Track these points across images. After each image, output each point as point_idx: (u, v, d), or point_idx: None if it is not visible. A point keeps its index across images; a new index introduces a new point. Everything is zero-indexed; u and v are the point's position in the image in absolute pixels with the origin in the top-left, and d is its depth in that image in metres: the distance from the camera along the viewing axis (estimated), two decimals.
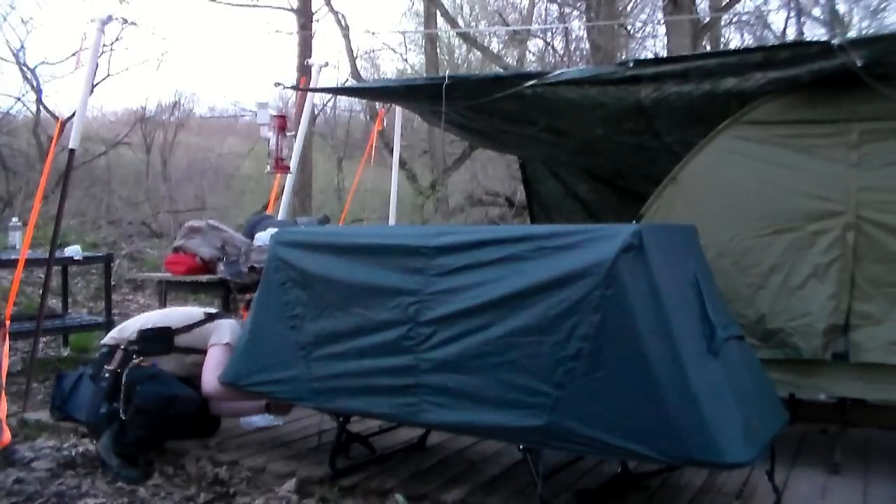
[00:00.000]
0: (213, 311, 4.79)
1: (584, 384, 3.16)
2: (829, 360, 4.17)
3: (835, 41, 4.05)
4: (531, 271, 3.34)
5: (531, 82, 4.80)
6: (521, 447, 3.45)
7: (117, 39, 14.93)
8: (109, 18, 5.51)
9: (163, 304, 6.04)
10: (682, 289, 3.40)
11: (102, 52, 12.99)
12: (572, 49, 16.09)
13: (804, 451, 4.47)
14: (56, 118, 14.36)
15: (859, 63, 3.95)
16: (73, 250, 6.84)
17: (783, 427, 3.64)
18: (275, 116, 6.59)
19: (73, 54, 13.95)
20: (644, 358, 3.09)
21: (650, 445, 3.07)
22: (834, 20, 15.47)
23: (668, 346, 3.10)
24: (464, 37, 16.12)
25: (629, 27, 15.89)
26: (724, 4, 14.01)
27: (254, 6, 20.06)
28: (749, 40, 16.49)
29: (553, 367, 3.22)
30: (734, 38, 16.97)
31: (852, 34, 13.65)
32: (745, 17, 15.92)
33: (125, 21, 6.08)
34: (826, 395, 4.61)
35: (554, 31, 16.65)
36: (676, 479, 3.98)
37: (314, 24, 16.65)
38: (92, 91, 6.59)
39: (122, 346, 4.45)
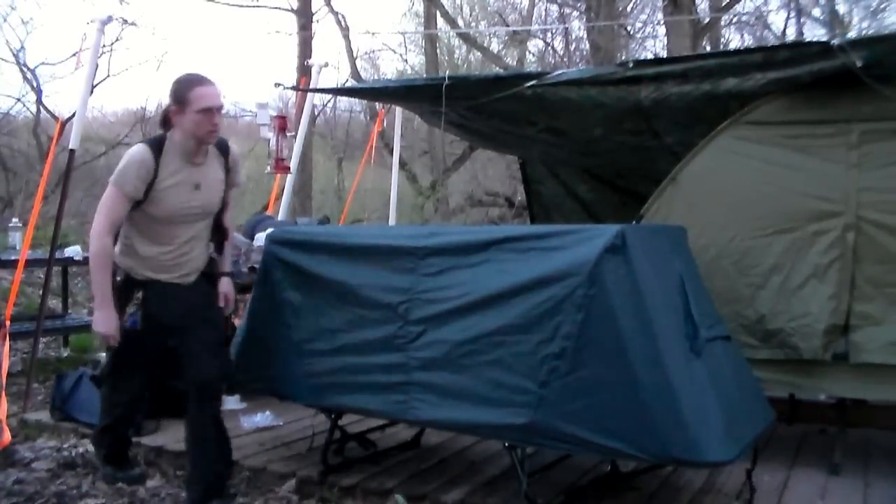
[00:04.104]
0: None
1: (567, 382, 3.20)
2: (829, 361, 4.18)
3: (835, 41, 4.05)
4: (518, 271, 3.39)
5: (531, 83, 4.80)
6: (505, 444, 3.48)
7: (117, 40, 14.94)
8: (109, 19, 5.51)
9: None
10: (667, 289, 3.42)
11: (102, 53, 13.01)
12: (572, 49, 16.10)
13: (804, 452, 4.48)
14: (56, 118, 14.36)
15: (859, 63, 3.95)
16: (74, 250, 6.84)
17: (769, 426, 3.66)
18: (275, 117, 6.59)
19: (74, 55, 13.98)
20: (626, 357, 3.12)
21: (632, 444, 3.11)
22: (834, 20, 15.46)
23: (650, 346, 3.13)
24: (464, 37, 16.12)
25: (629, 28, 15.90)
26: (723, 5, 14.02)
27: (254, 6, 20.04)
28: (749, 41, 16.51)
29: (537, 365, 3.26)
30: (734, 39, 16.99)
31: (852, 34, 13.67)
32: (744, 18, 15.92)
33: (125, 21, 6.12)
34: (826, 395, 4.62)
35: (554, 31, 16.67)
36: (676, 480, 3.99)
37: (314, 25, 16.65)
38: (92, 91, 6.61)
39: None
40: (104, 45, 9.78)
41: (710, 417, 3.14)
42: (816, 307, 4.19)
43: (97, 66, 6.43)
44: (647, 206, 4.64)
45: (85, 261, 7.40)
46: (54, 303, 7.79)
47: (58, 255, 6.12)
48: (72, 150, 5.49)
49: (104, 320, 3.64)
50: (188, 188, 3.70)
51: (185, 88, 3.64)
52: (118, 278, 3.71)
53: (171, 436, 4.59)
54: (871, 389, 4.19)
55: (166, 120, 3.73)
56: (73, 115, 6.17)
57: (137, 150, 3.62)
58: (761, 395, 3.78)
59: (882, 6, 15.58)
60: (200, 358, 3.72)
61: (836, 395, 4.46)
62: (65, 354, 7.07)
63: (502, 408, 3.32)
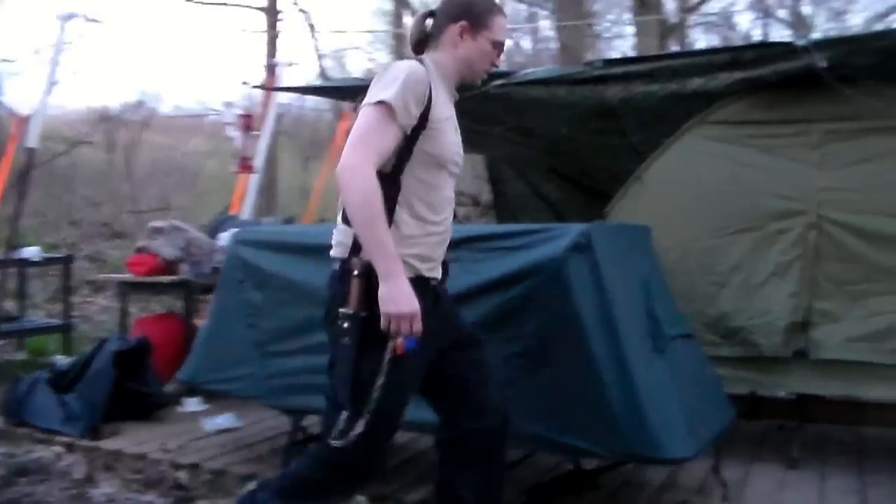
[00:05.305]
0: None
1: (531, 381, 3.19)
2: (790, 357, 4.21)
3: (799, 42, 4.08)
4: (483, 270, 3.37)
5: (499, 82, 4.78)
6: None
7: (80, 37, 14.74)
8: (72, 15, 5.43)
9: (124, 307, 5.96)
10: (631, 288, 3.43)
11: (64, 50, 12.84)
12: (540, 49, 16.15)
13: (764, 447, 4.52)
14: (15, 116, 14.14)
15: (823, 64, 3.98)
16: (32, 251, 6.72)
17: (730, 423, 3.68)
18: (240, 115, 6.56)
19: (35, 52, 13.78)
20: (589, 356, 3.12)
21: (595, 442, 3.12)
22: (798, 22, 15.65)
23: (614, 345, 3.13)
24: None
25: (597, 27, 15.96)
26: (691, 5, 14.13)
27: (220, 4, 19.79)
28: (715, 41, 16.65)
29: (502, 363, 3.22)
30: (701, 39, 17.13)
31: (816, 36, 13.79)
32: (711, 19, 16.06)
33: (88, 18, 5.99)
34: (786, 391, 4.66)
35: (522, 30, 16.70)
36: (638, 477, 3.99)
37: (281, 23, 16.56)
38: (53, 89, 6.50)
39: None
40: (66, 42, 9.65)
41: (672, 415, 3.15)
42: (778, 305, 4.22)
43: (59, 63, 6.31)
44: (612, 205, 4.66)
45: (45, 262, 7.29)
46: (10, 305, 7.64)
47: (15, 255, 6.02)
48: (30, 149, 5.39)
49: (403, 294, 2.40)
50: (454, 127, 2.71)
51: (488, 10, 2.73)
52: (355, 272, 2.47)
53: (131, 439, 4.53)
54: (829, 385, 4.23)
55: (425, 39, 2.75)
56: (33, 112, 6.07)
57: (412, 66, 2.56)
58: (722, 392, 3.81)
59: (845, 8, 15.79)
60: (484, 388, 2.76)
61: (796, 392, 4.50)
62: (21, 358, 6.93)
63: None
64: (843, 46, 4.10)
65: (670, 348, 3.40)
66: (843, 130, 4.24)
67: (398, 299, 2.37)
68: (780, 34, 16.34)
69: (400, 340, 2.40)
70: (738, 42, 15.04)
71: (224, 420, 4.77)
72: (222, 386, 4.11)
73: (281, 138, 16.16)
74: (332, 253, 2.61)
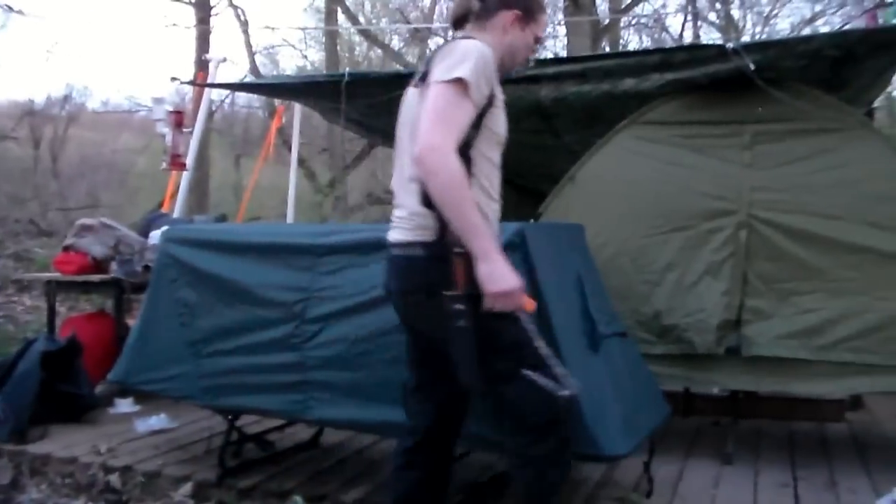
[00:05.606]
0: None
1: None
2: (722, 355, 4.28)
3: (729, 45, 4.16)
4: None
5: None
6: None
7: (1, 27, 14.31)
8: None
9: (52, 306, 5.81)
10: (565, 286, 3.45)
11: None
12: None
13: (698, 443, 4.59)
14: None
15: (752, 66, 4.07)
16: None
17: (665, 420, 3.73)
18: (171, 112, 6.44)
19: None
20: None
21: None
22: (728, 25, 15.99)
23: (549, 343, 3.11)
24: (365, 34, 16.06)
25: None
26: (623, 7, 14.31)
27: None
28: (647, 42, 16.91)
29: None
30: (633, 40, 17.39)
31: (746, 39, 14.17)
32: (643, 20, 16.30)
33: (10, 9, 5.81)
34: (719, 388, 4.74)
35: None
36: (574, 475, 4.02)
37: (213, 19, 16.32)
38: None
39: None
40: None
41: (608, 412, 3.18)
42: (710, 303, 4.29)
43: None
44: (546, 204, 4.68)
45: None
46: None
47: None
48: None
49: (503, 271, 2.39)
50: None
51: (538, 5, 2.77)
52: (457, 250, 2.41)
53: (60, 442, 4.41)
54: (761, 381, 4.32)
55: (466, 17, 2.73)
56: None
57: (479, 45, 2.51)
58: (657, 389, 3.85)
59: (774, 13, 16.20)
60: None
61: (729, 388, 4.59)
62: None
63: (400, 406, 3.28)
64: (772, 49, 4.20)
65: (605, 346, 3.43)
66: (773, 132, 4.33)
67: (501, 277, 2.37)
68: (711, 36, 16.71)
69: (525, 298, 2.46)
70: (669, 44, 15.31)
71: (157, 421, 4.69)
72: (155, 386, 4.02)
73: (212, 135, 15.94)
74: (407, 237, 2.54)
